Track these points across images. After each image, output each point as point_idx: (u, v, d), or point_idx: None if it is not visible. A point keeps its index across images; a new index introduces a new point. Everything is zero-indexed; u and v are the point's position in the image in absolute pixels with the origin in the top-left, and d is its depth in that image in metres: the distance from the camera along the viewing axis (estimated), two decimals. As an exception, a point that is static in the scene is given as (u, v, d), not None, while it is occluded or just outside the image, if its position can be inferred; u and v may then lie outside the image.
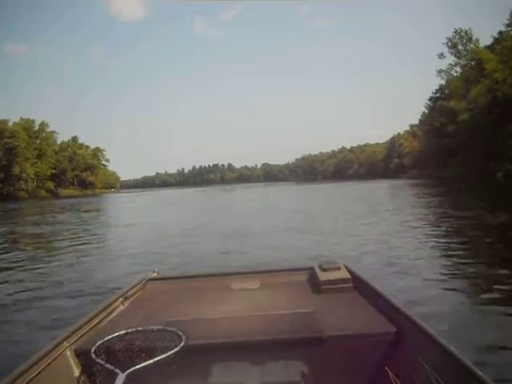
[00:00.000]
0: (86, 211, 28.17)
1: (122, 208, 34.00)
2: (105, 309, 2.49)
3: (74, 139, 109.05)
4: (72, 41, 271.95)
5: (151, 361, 1.76)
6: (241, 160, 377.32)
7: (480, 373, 1.41)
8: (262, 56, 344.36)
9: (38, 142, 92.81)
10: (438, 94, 66.19)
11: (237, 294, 2.84)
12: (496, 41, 50.41)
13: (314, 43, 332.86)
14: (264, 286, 2.94)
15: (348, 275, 2.76)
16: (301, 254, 7.50)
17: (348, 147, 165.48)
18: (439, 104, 60.53)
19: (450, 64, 59.49)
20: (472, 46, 55.26)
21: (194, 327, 2.12)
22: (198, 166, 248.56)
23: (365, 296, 2.52)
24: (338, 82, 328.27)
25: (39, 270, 7.54)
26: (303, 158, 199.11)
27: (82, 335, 2.14)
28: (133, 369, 1.70)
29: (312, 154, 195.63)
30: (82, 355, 1.98)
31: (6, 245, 11.92)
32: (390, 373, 1.78)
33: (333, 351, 1.98)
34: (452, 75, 59.89)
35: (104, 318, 2.42)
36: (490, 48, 51.22)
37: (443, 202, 17.88)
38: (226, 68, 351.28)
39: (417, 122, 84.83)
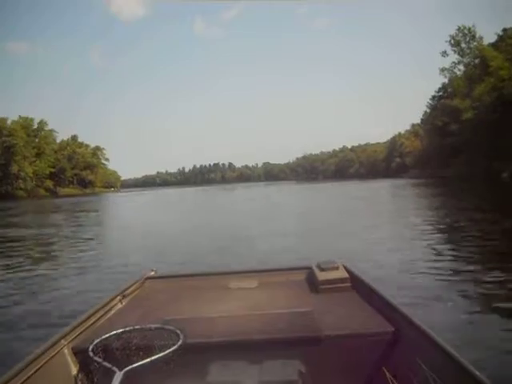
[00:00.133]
0: (82, 211, 27.59)
1: (119, 208, 33.69)
2: (103, 307, 2.47)
3: (74, 138, 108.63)
4: (72, 40, 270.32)
5: (149, 359, 1.76)
6: (241, 159, 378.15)
7: (477, 373, 1.41)
8: (262, 56, 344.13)
9: (36, 140, 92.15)
10: (440, 93, 65.34)
11: (235, 292, 2.83)
12: (500, 38, 49.73)
13: (314, 43, 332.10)
14: (262, 285, 2.93)
15: (346, 275, 2.74)
16: (301, 257, 6.99)
17: (349, 146, 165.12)
18: (442, 103, 59.70)
19: (453, 62, 58.76)
20: (475, 43, 54.48)
21: (192, 326, 2.11)
22: (198, 166, 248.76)
23: (363, 295, 2.50)
24: (338, 81, 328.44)
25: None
26: (304, 158, 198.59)
27: (80, 333, 2.13)
28: (130, 367, 1.70)
29: (313, 153, 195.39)
30: (79, 353, 1.98)
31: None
32: (387, 373, 1.79)
33: (330, 351, 1.97)
34: (455, 73, 59.15)
35: (102, 316, 2.40)
36: (493, 46, 50.49)
37: (447, 204, 17.26)
38: (226, 68, 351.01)
39: (418, 121, 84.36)
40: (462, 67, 58.02)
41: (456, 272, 5.82)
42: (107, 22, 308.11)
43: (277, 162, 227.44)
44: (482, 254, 7.15)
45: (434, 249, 7.69)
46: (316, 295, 2.66)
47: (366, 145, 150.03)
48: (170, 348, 1.85)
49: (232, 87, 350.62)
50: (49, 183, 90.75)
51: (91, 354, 1.85)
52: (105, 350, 1.89)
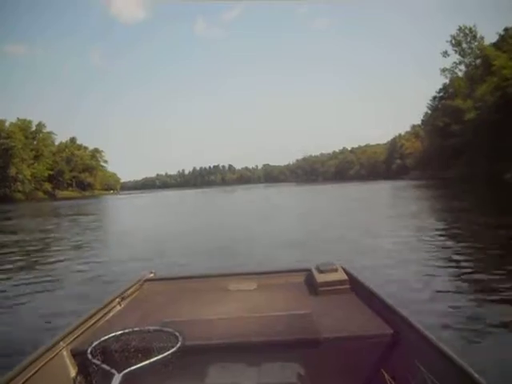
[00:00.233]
0: (78, 214, 27.02)
1: (117, 211, 33.14)
2: (101, 309, 2.46)
3: (72, 140, 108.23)
4: (71, 41, 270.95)
5: (147, 361, 1.76)
6: (241, 161, 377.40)
7: (476, 375, 1.41)
8: (262, 56, 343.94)
9: (34, 142, 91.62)
10: (441, 94, 64.81)
11: (234, 295, 2.82)
12: (502, 38, 49.30)
13: (314, 43, 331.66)
14: (261, 288, 2.92)
15: (345, 277, 2.73)
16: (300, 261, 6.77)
17: (349, 148, 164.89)
18: (443, 103, 59.21)
19: (454, 62, 58.43)
20: (477, 43, 54.09)
21: (191, 328, 2.11)
22: (198, 168, 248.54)
23: (362, 298, 2.49)
24: (338, 82, 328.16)
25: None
26: (304, 159, 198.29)
27: (79, 335, 2.13)
28: (129, 369, 1.70)
29: (313, 154, 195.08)
30: (78, 355, 1.98)
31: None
32: (386, 375, 1.81)
33: (329, 353, 1.98)
34: (456, 74, 58.80)
35: (100, 318, 2.40)
36: (495, 45, 50.01)
37: (450, 206, 16.58)
38: (227, 68, 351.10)
39: (418, 122, 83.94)
40: (463, 67, 57.77)
41: (459, 275, 5.71)
42: (107, 23, 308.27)
43: (277, 164, 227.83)
44: (488, 257, 6.83)
45: (437, 252, 7.45)
46: (315, 297, 2.65)
47: (366, 146, 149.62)
48: (168, 350, 1.83)
49: (232, 88, 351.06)
50: (47, 186, 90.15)
51: (90, 356, 1.83)
52: (103, 352, 1.87)
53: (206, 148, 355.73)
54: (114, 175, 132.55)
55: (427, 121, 69.66)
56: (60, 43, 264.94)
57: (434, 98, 66.99)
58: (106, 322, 2.42)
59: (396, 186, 44.42)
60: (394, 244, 8.47)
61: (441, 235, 9.30)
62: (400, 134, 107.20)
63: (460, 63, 57.37)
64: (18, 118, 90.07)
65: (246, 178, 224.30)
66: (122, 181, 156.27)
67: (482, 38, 54.32)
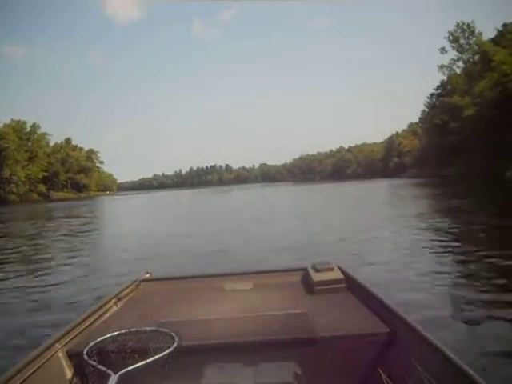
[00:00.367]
0: (69, 217, 26.33)
1: (108, 213, 32.28)
2: (97, 310, 2.46)
3: (68, 141, 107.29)
4: (68, 43, 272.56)
5: (144, 362, 1.76)
6: (238, 161, 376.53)
7: (473, 373, 1.40)
8: (260, 56, 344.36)
9: (29, 144, 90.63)
10: (439, 91, 64.26)
11: (230, 294, 2.81)
12: (500, 33, 48.75)
13: (313, 43, 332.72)
14: (257, 287, 2.91)
15: (341, 276, 2.73)
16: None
17: (346, 147, 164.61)
18: (441, 100, 58.68)
19: (452, 59, 57.90)
20: (475, 39, 53.54)
21: (187, 328, 2.11)
22: (195, 168, 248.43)
23: (358, 296, 2.49)
24: (335, 81, 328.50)
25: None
26: (301, 158, 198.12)
27: (75, 336, 2.12)
28: (125, 370, 1.70)
29: (310, 153, 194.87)
30: (74, 356, 1.98)
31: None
32: (382, 374, 1.81)
33: (326, 352, 1.98)
34: (454, 70, 58.31)
35: (97, 319, 2.39)
36: (493, 41, 49.42)
37: (453, 205, 15.76)
38: (224, 69, 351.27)
39: (416, 120, 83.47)
40: (461, 64, 57.26)
41: (459, 274, 5.66)
42: (103, 24, 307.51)
43: (274, 163, 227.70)
44: (491, 258, 6.44)
45: (437, 253, 7.13)
46: (311, 296, 2.64)
47: (363, 145, 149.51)
48: (165, 351, 1.83)
49: (230, 88, 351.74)
50: (42, 187, 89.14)
51: (86, 357, 1.82)
52: (100, 353, 1.86)
53: (204, 148, 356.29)
54: (110, 176, 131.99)
55: (425, 118, 69.18)
56: (58, 44, 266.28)
57: (432, 95, 66.60)
58: (102, 322, 2.39)
59: (394, 184, 44.05)
60: (395, 246, 8.02)
61: (444, 237, 8.79)
62: (397, 132, 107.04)
63: (458, 60, 56.95)
64: (12, 119, 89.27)
65: (243, 177, 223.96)
66: (119, 181, 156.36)
67: (480, 33, 53.93)
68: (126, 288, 2.95)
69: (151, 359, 1.77)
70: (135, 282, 3.13)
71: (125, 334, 2.00)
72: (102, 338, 1.96)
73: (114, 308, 2.67)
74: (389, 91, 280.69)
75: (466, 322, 3.83)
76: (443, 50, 57.41)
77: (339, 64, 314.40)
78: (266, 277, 3.10)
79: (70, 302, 5.32)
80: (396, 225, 11.04)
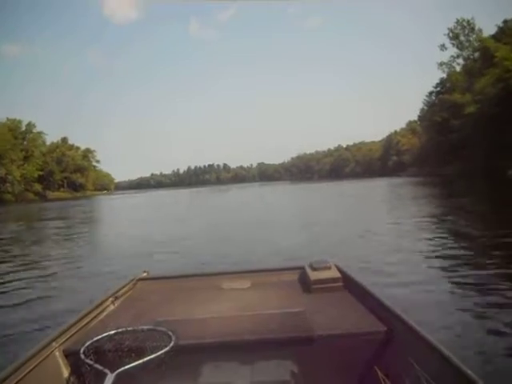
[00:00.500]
0: (59, 218, 25.65)
1: (102, 214, 31.63)
2: (94, 309, 2.45)
3: (64, 140, 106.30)
4: (69, 42, 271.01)
5: (141, 361, 1.76)
6: (236, 160, 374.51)
7: (470, 372, 1.41)
8: (258, 56, 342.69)
9: (24, 143, 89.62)
10: (438, 88, 63.51)
11: (227, 293, 2.81)
12: (501, 30, 48.14)
13: (311, 42, 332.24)
14: (254, 286, 2.91)
15: (338, 274, 2.73)
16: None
17: (344, 145, 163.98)
18: (441, 98, 57.88)
19: (452, 56, 57.31)
20: (475, 36, 52.93)
21: (184, 327, 2.11)
22: (193, 167, 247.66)
23: (355, 295, 2.49)
24: (333, 80, 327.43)
25: None
26: (298, 157, 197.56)
27: (71, 335, 2.11)
28: (122, 369, 1.71)
29: (308, 152, 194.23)
30: (71, 355, 1.97)
31: None
32: (379, 372, 1.82)
33: (323, 350, 1.98)
34: (454, 68, 57.69)
35: (94, 317, 2.38)
36: (494, 37, 48.73)
37: (457, 204, 15.08)
38: (223, 68, 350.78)
39: (414, 118, 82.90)
40: (460, 61, 56.65)
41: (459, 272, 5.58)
42: (101, 25, 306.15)
43: (271, 163, 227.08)
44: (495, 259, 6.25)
45: (439, 255, 6.83)
46: (308, 295, 2.63)
47: (361, 143, 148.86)
48: (161, 349, 1.83)
49: (228, 88, 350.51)
50: (37, 187, 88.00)
51: (83, 356, 1.83)
52: (96, 351, 1.86)
53: (201, 147, 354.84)
54: (108, 175, 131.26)
55: (424, 116, 68.54)
56: (56, 44, 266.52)
57: (431, 92, 65.81)
58: (99, 321, 2.36)
59: (394, 183, 43.54)
60: (397, 250, 7.49)
61: (448, 238, 8.38)
62: (396, 131, 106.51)
63: (458, 57, 56.36)
64: (7, 118, 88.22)
65: (240, 176, 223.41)
66: (117, 181, 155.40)
67: (481, 30, 53.35)
68: (123, 287, 2.93)
69: (148, 358, 1.76)
70: (132, 280, 3.10)
71: (122, 332, 1.98)
72: (99, 337, 1.94)
73: (111, 307, 2.64)
74: (387, 90, 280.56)
75: (471, 325, 3.72)
76: (443, 47, 56.97)
77: (337, 63, 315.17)
78: (264, 275, 3.08)
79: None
80: (398, 229, 10.39)
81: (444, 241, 8.11)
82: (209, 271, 3.55)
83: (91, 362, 1.78)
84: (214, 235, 11.47)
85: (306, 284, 2.81)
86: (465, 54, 55.00)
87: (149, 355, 1.78)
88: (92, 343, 1.90)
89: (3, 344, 3.95)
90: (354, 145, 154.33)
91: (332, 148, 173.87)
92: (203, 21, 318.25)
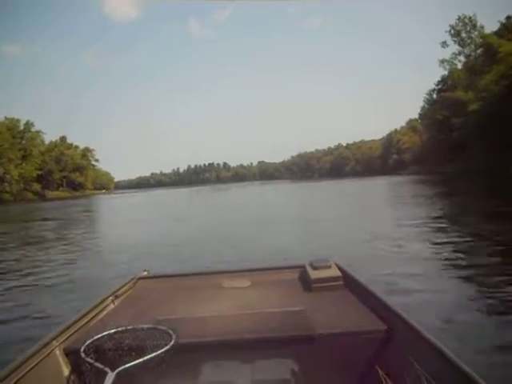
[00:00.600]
0: (54, 219, 25.18)
1: (99, 215, 31.19)
2: (95, 307, 2.45)
3: (62, 139, 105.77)
4: (68, 42, 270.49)
5: (141, 359, 1.76)
6: (236, 159, 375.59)
7: (470, 371, 1.41)
8: (258, 55, 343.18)
9: (23, 142, 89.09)
10: (439, 86, 62.88)
11: (227, 292, 2.81)
12: (503, 26, 47.57)
13: (310, 42, 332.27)
14: (255, 284, 2.91)
15: (339, 273, 2.72)
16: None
17: (344, 144, 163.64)
18: (442, 95, 57.19)
19: (454, 53, 56.77)
20: (477, 33, 52.35)
21: (185, 326, 2.11)
22: (193, 166, 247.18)
23: (355, 294, 2.49)
24: (333, 79, 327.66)
25: None
26: (299, 156, 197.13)
27: (72, 334, 2.12)
28: (122, 367, 1.71)
29: (308, 151, 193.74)
30: (71, 354, 1.97)
31: None
32: (380, 371, 1.81)
33: (323, 349, 1.98)
34: (455, 65, 57.15)
35: (94, 316, 2.39)
36: (496, 34, 48.10)
37: (467, 210, 13.92)
38: (223, 67, 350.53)
39: (415, 116, 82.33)
40: (462, 58, 56.09)
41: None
42: (101, 23, 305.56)
43: (272, 161, 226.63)
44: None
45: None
46: (309, 294, 2.63)
47: (361, 142, 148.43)
48: (162, 348, 1.83)
49: (228, 87, 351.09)
50: (36, 186, 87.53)
51: (83, 354, 1.83)
52: (97, 350, 1.86)
53: (201, 146, 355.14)
54: (107, 174, 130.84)
55: (425, 114, 67.98)
56: (55, 43, 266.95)
57: (433, 90, 65.25)
58: (99, 320, 2.37)
59: (395, 181, 43.07)
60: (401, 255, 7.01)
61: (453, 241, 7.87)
62: (396, 129, 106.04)
63: (459, 54, 55.79)
64: (5, 117, 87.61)
65: (241, 175, 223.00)
66: (117, 180, 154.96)
67: (482, 27, 52.73)
68: (123, 285, 2.92)
69: (148, 357, 1.76)
70: (133, 279, 3.09)
71: (122, 331, 1.98)
72: (99, 335, 1.94)
73: (112, 305, 2.63)
74: (386, 89, 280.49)
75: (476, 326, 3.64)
76: (444, 44, 56.50)
77: (337, 63, 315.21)
78: (264, 274, 3.06)
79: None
80: (403, 231, 9.89)
81: (448, 241, 7.76)
82: (209, 270, 3.53)
83: (92, 361, 1.78)
84: (212, 235, 11.12)
85: (306, 283, 2.79)
86: (466, 51, 54.52)
87: (149, 354, 1.78)
88: (92, 342, 1.89)
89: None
90: (354, 143, 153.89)
91: (332, 146, 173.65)
92: (203, 20, 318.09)
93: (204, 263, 7.16)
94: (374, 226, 10.47)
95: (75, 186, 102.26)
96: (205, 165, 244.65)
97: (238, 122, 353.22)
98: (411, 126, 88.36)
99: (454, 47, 56.63)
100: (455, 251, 6.92)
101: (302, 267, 2.97)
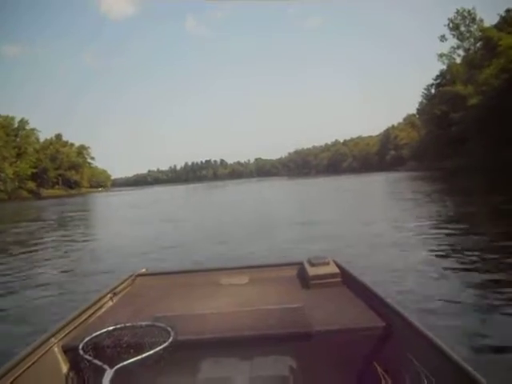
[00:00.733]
0: (36, 220, 24.55)
1: (91, 214, 30.58)
2: (93, 305, 2.44)
3: (58, 137, 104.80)
4: (67, 42, 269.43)
5: (139, 356, 1.76)
6: (233, 156, 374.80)
7: (469, 368, 1.42)
8: (258, 56, 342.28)
9: (17, 140, 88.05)
10: (438, 81, 62.25)
11: (226, 289, 2.81)
12: (503, 19, 46.94)
13: (308, 37, 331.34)
14: (253, 281, 2.91)
15: (337, 270, 2.73)
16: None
17: (341, 140, 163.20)
18: (442, 90, 56.50)
19: (452, 47, 56.17)
20: (476, 26, 51.74)
21: (183, 323, 2.11)
22: (190, 163, 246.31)
23: (354, 291, 2.49)
24: (330, 76, 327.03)
25: None
26: (296, 152, 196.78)
27: (70, 331, 2.11)
28: (121, 364, 1.71)
29: (305, 147, 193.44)
30: (69, 351, 1.97)
31: None
32: (378, 367, 1.83)
33: (321, 346, 1.99)
34: (454, 59, 56.56)
35: (92, 313, 2.38)
36: (496, 27, 47.49)
37: (470, 208, 12.98)
38: (221, 66, 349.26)
39: (413, 112, 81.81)
40: (461, 52, 55.49)
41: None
42: (99, 22, 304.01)
43: (269, 158, 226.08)
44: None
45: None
46: (307, 291, 2.63)
47: (359, 138, 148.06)
48: (160, 345, 1.83)
49: (226, 86, 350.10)
50: (31, 184, 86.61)
51: (81, 351, 1.84)
52: (95, 347, 1.87)
53: (198, 143, 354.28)
54: (104, 172, 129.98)
55: (423, 110, 67.43)
56: (54, 43, 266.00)
57: (431, 85, 64.61)
58: (97, 317, 2.37)
59: (393, 178, 42.64)
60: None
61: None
62: (393, 125, 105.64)
63: (458, 48, 55.19)
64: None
65: (238, 172, 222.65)
66: (114, 177, 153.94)
67: (482, 20, 52.12)
68: (121, 283, 2.90)
69: (147, 354, 1.76)
70: (131, 276, 3.08)
71: (120, 328, 1.98)
72: (98, 332, 1.94)
73: (110, 303, 2.62)
74: (385, 86, 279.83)
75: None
76: (443, 38, 55.87)
77: (334, 59, 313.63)
78: (262, 271, 3.06)
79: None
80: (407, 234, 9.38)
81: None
82: (207, 267, 3.53)
83: (90, 358, 1.78)
84: (206, 233, 10.82)
85: (304, 280, 2.79)
86: (465, 44, 53.91)
87: (148, 351, 1.77)
88: (91, 339, 1.89)
89: None
90: (352, 139, 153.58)
91: (329, 143, 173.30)
92: (200, 19, 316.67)
93: (199, 263, 6.78)
94: (368, 224, 10.36)
95: (71, 184, 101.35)
96: (202, 162, 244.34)
97: (236, 120, 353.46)
98: (409, 121, 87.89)
99: (453, 41, 56.14)
100: (459, 258, 6.37)
101: (300, 264, 2.97)
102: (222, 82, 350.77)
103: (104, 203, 40.74)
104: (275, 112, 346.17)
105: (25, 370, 1.71)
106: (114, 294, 2.72)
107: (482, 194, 16.67)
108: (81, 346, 1.85)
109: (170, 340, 1.86)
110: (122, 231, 13.87)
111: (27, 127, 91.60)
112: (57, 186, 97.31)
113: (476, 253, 6.22)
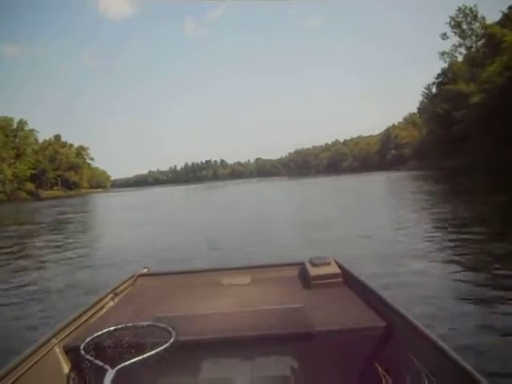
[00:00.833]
0: (28, 223, 24.10)
1: (86, 216, 30.15)
2: (94, 305, 2.46)
3: (57, 137, 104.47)
4: (66, 42, 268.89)
5: (141, 357, 1.76)
6: (234, 156, 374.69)
7: (470, 367, 1.41)
8: (258, 55, 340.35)
9: (16, 140, 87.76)
10: (439, 79, 61.73)
11: (227, 289, 2.81)
12: (505, 16, 46.42)
13: (307, 37, 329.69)
14: (254, 282, 2.91)
15: (338, 270, 2.73)
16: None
17: (341, 140, 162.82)
18: (443, 88, 55.98)
19: (454, 45, 55.70)
20: (478, 24, 51.24)
21: (184, 323, 2.12)
22: (190, 163, 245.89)
23: (355, 291, 2.49)
24: (330, 76, 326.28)
25: None
26: (296, 152, 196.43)
27: (72, 332, 2.12)
28: (122, 365, 1.72)
29: (305, 147, 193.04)
30: (71, 352, 1.98)
31: None
32: (379, 367, 1.83)
33: (323, 346, 1.99)
34: (455, 57, 56.09)
35: (94, 314, 2.39)
36: (498, 24, 46.99)
37: (472, 210, 12.22)
38: (219, 66, 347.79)
39: (414, 111, 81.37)
40: (463, 50, 55.02)
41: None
42: (97, 23, 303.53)
43: (269, 158, 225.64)
44: None
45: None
46: (308, 291, 2.63)
47: (359, 138, 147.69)
48: (162, 345, 1.83)
49: (226, 86, 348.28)
50: (30, 186, 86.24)
51: (83, 352, 1.84)
52: (96, 348, 1.87)
53: (198, 144, 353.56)
54: (104, 173, 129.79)
55: (424, 108, 66.92)
56: (53, 43, 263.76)
57: (432, 84, 64.22)
58: (99, 317, 2.37)
59: (394, 177, 42.17)
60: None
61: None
62: (394, 125, 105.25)
63: (460, 46, 54.73)
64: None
65: (238, 172, 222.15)
66: (115, 178, 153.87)
67: (484, 18, 51.61)
68: (123, 283, 2.90)
69: (148, 354, 1.76)
70: (132, 276, 3.07)
71: (122, 329, 1.98)
72: (99, 333, 1.94)
73: (111, 303, 2.62)
74: (385, 85, 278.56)
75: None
76: (444, 36, 55.42)
77: (334, 59, 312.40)
78: (264, 271, 3.06)
79: None
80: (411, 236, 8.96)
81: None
82: (209, 267, 3.52)
83: (91, 358, 1.78)
84: (204, 237, 10.51)
85: (305, 280, 2.78)
86: (467, 42, 53.43)
87: (149, 351, 1.77)
88: (92, 339, 1.89)
89: None
90: (352, 139, 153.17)
91: (329, 143, 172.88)
92: (199, 19, 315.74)
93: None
94: (367, 224, 10.30)
95: (70, 185, 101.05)
96: (202, 162, 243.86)
97: (236, 120, 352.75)
98: (410, 120, 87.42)
99: (455, 39, 55.67)
100: (461, 261, 6.04)
101: (302, 264, 2.96)
102: (221, 81, 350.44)
103: (102, 204, 40.37)
104: (275, 112, 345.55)
105: (26, 371, 1.70)
106: (116, 295, 2.71)
107: (482, 194, 16.21)
108: (82, 347, 1.83)
109: (172, 340, 1.84)
110: (118, 237, 13.32)
111: (26, 128, 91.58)
112: (56, 187, 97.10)
113: None
